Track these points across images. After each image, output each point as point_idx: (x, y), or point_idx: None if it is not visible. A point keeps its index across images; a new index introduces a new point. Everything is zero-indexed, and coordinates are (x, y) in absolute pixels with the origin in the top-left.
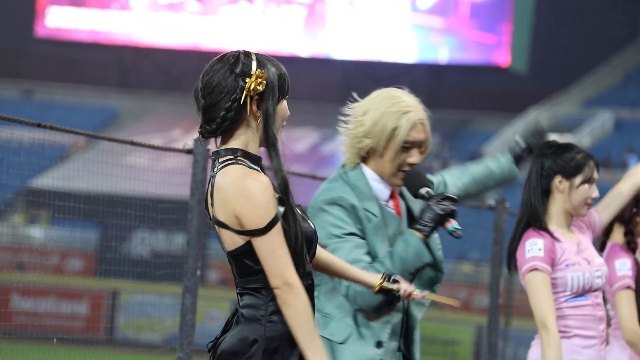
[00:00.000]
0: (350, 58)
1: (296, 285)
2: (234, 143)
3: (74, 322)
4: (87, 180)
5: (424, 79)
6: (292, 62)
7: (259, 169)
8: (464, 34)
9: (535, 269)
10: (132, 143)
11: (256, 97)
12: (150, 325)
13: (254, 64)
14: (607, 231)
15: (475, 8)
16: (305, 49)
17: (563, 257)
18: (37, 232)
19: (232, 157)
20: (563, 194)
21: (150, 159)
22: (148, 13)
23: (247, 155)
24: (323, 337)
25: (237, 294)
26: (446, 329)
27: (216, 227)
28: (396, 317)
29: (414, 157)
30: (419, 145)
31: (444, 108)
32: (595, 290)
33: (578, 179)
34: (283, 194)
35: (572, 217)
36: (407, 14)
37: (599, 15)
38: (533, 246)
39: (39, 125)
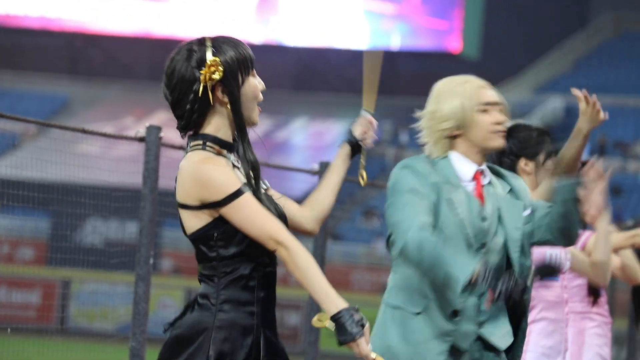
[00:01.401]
0: (303, 45)
1: (288, 241)
2: (205, 129)
3: (26, 312)
4: (39, 169)
5: None
6: None
7: (226, 153)
8: (415, 20)
9: None
10: (84, 131)
11: (219, 83)
12: (103, 314)
13: (209, 52)
14: None
15: None
16: (257, 36)
17: None
18: None
19: (200, 142)
20: (531, 175)
21: (102, 147)
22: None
23: (216, 140)
24: (397, 306)
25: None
26: None
27: (179, 210)
28: (471, 299)
29: (498, 116)
30: (495, 105)
31: (396, 95)
32: (563, 272)
33: (541, 157)
34: (250, 179)
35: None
36: (358, 0)
37: (550, 2)
38: None
39: None
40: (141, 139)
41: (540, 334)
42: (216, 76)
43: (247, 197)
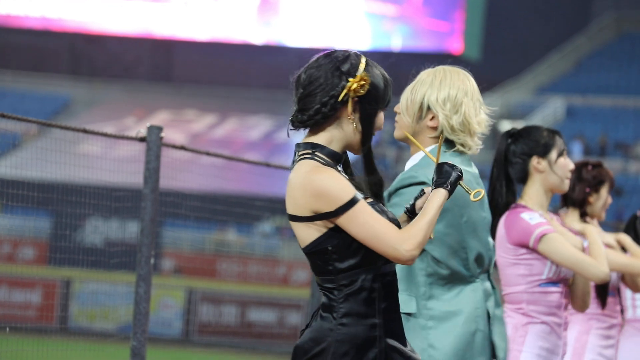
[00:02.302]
0: (304, 45)
1: (411, 246)
2: (318, 138)
3: (26, 311)
4: (40, 169)
5: None
6: (245, 49)
7: (333, 164)
8: (417, 22)
9: (548, 233)
10: (85, 131)
11: (355, 99)
12: (104, 314)
13: (362, 66)
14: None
15: None
16: (258, 37)
17: None
18: None
19: (310, 151)
20: (544, 173)
21: (103, 147)
22: (100, 0)
23: (326, 151)
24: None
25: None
26: None
27: (290, 222)
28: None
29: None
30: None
31: (397, 95)
32: (567, 279)
33: (554, 154)
34: (374, 197)
35: (550, 197)
36: (360, 2)
37: (551, 3)
38: (533, 214)
39: None
40: (142, 139)
41: (537, 335)
42: (362, 91)
43: (362, 204)
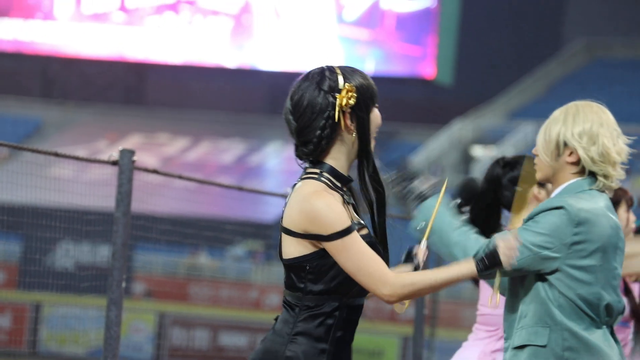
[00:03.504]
0: (277, 69)
1: (393, 292)
2: (326, 159)
3: None
4: (10, 192)
5: None
6: (218, 73)
7: (340, 188)
8: (389, 46)
9: None
10: (57, 154)
11: (348, 111)
12: (74, 338)
13: (340, 78)
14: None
15: (400, 20)
16: (231, 60)
17: None
18: None
19: (317, 171)
20: (540, 201)
21: (75, 170)
22: (72, 23)
23: (333, 172)
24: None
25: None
26: (372, 339)
27: (282, 233)
28: None
29: None
30: None
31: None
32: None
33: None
34: (377, 205)
35: None
36: (333, 26)
37: (523, 28)
38: None
39: None
40: (114, 163)
41: None
42: (352, 102)
43: (354, 237)
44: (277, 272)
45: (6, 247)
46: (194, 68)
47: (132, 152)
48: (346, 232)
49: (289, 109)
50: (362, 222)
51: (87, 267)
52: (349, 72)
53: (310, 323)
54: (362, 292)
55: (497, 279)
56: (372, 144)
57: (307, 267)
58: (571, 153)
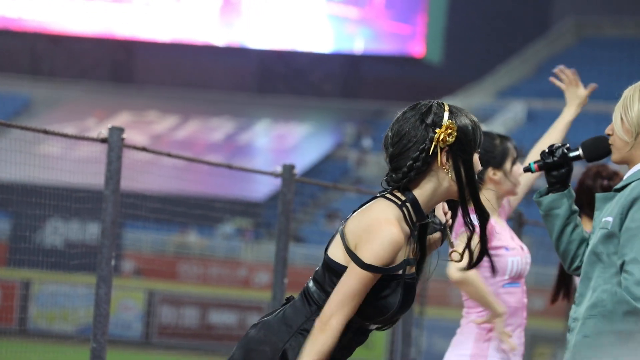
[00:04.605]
0: (266, 47)
1: (334, 327)
2: (414, 190)
3: None
4: None
5: (339, 69)
6: (207, 51)
7: (414, 223)
8: (379, 25)
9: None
10: (45, 132)
11: (446, 149)
12: (64, 316)
13: (446, 115)
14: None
15: None
16: (220, 38)
17: (500, 241)
18: None
19: (402, 200)
20: (499, 184)
21: (64, 147)
22: (60, 0)
23: (416, 206)
24: None
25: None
26: None
27: (339, 235)
28: None
29: None
30: None
31: (359, 98)
32: (523, 277)
33: (508, 164)
34: (475, 259)
35: (502, 201)
36: (322, 4)
37: (512, 7)
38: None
39: None
40: (103, 140)
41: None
42: (450, 139)
43: (364, 275)
44: (266, 250)
45: None
46: (183, 46)
47: (121, 130)
48: (366, 266)
49: (389, 134)
50: (413, 261)
51: (77, 245)
52: (456, 111)
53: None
54: (382, 322)
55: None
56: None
57: (338, 272)
58: None
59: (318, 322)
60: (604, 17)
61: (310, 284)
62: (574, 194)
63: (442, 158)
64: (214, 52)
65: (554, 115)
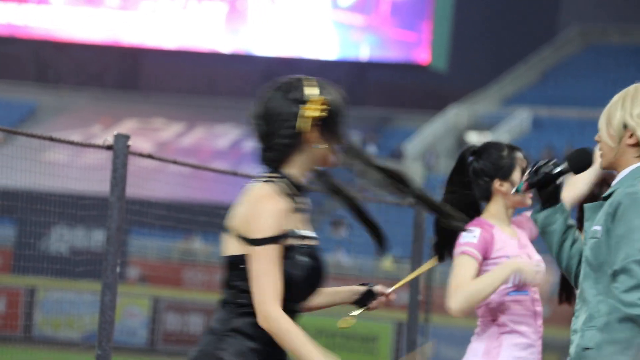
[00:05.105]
0: (272, 54)
1: (274, 315)
2: (287, 167)
3: None
4: (5, 176)
5: (345, 76)
6: (213, 58)
7: (293, 194)
8: (384, 32)
9: (464, 253)
10: (51, 139)
11: (316, 123)
12: (69, 323)
13: (312, 90)
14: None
15: (395, 6)
16: (226, 45)
17: (503, 250)
18: None
19: (274, 177)
20: (507, 195)
21: (70, 155)
22: (66, 7)
23: (289, 180)
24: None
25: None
26: (366, 324)
27: (225, 230)
28: None
29: None
30: None
31: (365, 105)
32: (534, 285)
33: (516, 175)
34: (356, 212)
35: (512, 211)
36: (328, 11)
37: (518, 14)
38: (469, 233)
39: None
40: (109, 147)
41: (513, 345)
42: (317, 114)
43: (269, 250)
44: None
45: (0, 231)
46: (188, 53)
47: (126, 137)
48: (265, 241)
49: (256, 113)
50: (308, 233)
51: (82, 252)
52: (323, 85)
53: (243, 321)
54: (297, 298)
55: (408, 278)
56: (336, 158)
57: (241, 266)
58: (631, 135)
59: (263, 323)
60: (609, 25)
61: (221, 292)
62: (566, 209)
63: (312, 132)
64: (219, 59)
65: (559, 123)
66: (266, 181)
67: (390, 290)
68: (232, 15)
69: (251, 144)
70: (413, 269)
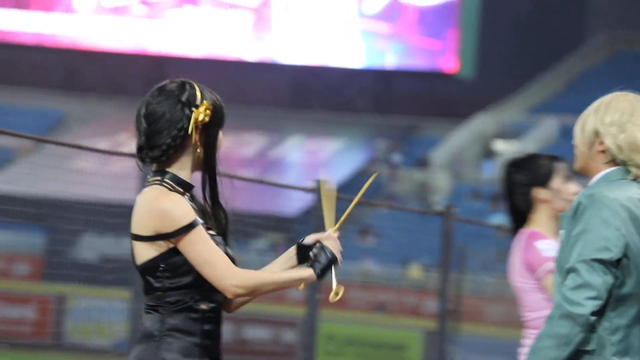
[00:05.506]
0: (298, 63)
1: (238, 282)
2: (170, 168)
3: (21, 327)
4: (34, 184)
5: (371, 85)
6: (239, 66)
7: (182, 191)
8: (410, 40)
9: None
10: (79, 147)
11: (200, 127)
12: (99, 330)
13: (199, 95)
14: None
15: (422, 14)
16: (252, 54)
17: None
18: None
19: (159, 178)
20: (548, 202)
21: (98, 162)
22: (93, 16)
23: (175, 179)
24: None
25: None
26: (395, 334)
27: (131, 241)
28: None
29: None
30: None
31: (391, 114)
32: None
33: (556, 182)
34: (220, 231)
35: (557, 220)
36: (354, 19)
37: (545, 22)
38: (547, 246)
39: None
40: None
41: None
42: (207, 118)
43: (200, 230)
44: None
45: (30, 239)
46: (215, 61)
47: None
48: (191, 226)
49: (142, 113)
50: (207, 224)
51: (112, 260)
52: (205, 91)
53: (177, 319)
54: (199, 286)
55: (334, 275)
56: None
57: (161, 266)
58: (601, 142)
59: (235, 295)
60: (637, 32)
61: (145, 299)
62: None
63: (196, 135)
64: (246, 68)
65: None
66: (152, 185)
67: (334, 229)
68: (258, 23)
69: (277, 152)
70: (442, 278)
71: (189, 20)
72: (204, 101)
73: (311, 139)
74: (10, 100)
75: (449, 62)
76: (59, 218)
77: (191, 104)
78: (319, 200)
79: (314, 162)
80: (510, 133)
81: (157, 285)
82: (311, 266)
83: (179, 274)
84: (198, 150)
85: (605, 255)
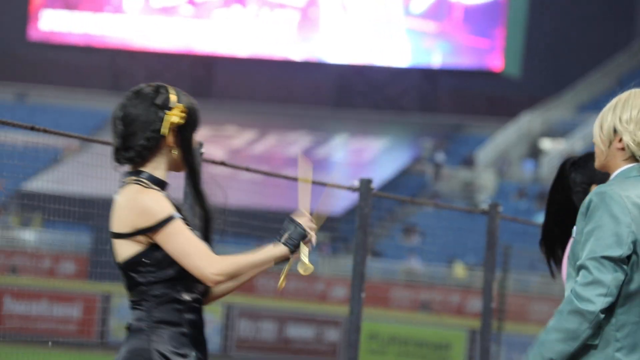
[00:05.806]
0: (344, 62)
1: (217, 269)
2: (144, 167)
3: (66, 326)
4: (80, 183)
5: (417, 83)
6: (285, 66)
7: (158, 189)
8: (457, 39)
9: None
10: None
11: (174, 129)
12: None
13: (174, 97)
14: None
15: (468, 12)
16: (298, 53)
17: None
18: (30, 235)
19: (135, 178)
20: None
21: None
22: (141, 16)
23: (151, 178)
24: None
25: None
26: (439, 332)
27: (112, 240)
28: None
29: None
30: None
31: (437, 112)
32: None
33: None
34: (204, 227)
35: None
36: (400, 18)
37: (593, 20)
38: None
39: (32, 129)
40: None
41: None
42: (181, 121)
43: (178, 223)
44: (344, 265)
45: (77, 238)
46: (261, 61)
47: (200, 144)
48: (169, 219)
49: (118, 115)
50: (186, 219)
51: None
52: (180, 93)
53: (163, 311)
54: (182, 277)
55: (288, 265)
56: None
57: (144, 261)
58: (620, 139)
59: (215, 283)
60: None
61: (129, 296)
62: None
63: (170, 137)
64: (291, 67)
65: None
66: (129, 184)
67: (314, 217)
68: (304, 23)
69: (323, 151)
70: (486, 277)
71: (236, 20)
72: (179, 104)
73: (356, 137)
74: (58, 100)
75: (496, 61)
76: (104, 217)
77: (165, 106)
78: (363, 199)
79: (359, 161)
80: (558, 131)
81: (140, 280)
82: (280, 239)
83: (162, 267)
84: (173, 151)
85: (616, 253)
